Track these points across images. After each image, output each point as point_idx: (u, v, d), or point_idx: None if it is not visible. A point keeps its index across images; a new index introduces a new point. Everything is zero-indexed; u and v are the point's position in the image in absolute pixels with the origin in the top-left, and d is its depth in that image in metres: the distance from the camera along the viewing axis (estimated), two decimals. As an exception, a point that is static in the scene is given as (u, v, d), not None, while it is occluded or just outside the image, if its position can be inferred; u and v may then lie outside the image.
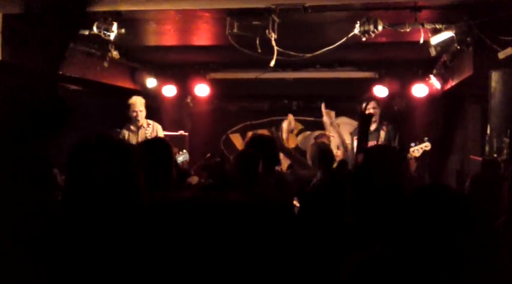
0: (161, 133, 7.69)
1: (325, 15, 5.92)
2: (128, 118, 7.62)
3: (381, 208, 2.84)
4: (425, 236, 1.95)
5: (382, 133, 7.09)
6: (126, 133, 7.59)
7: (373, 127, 7.21)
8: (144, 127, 7.58)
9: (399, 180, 3.31)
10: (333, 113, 6.75)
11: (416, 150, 6.82)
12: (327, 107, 7.10)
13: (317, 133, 9.74)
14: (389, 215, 2.19)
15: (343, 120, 9.94)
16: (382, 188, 3.01)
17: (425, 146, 6.85)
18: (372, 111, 7.09)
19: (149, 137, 7.43)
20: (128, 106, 7.52)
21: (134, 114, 7.49)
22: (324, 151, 5.31)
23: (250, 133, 10.14)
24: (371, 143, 7.21)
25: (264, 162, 4.37)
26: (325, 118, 6.78)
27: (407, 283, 1.96)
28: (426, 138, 6.88)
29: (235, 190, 3.73)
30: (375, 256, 2.11)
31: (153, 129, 7.60)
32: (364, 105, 4.32)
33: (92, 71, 7.67)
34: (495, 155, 5.17)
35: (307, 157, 5.35)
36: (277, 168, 4.82)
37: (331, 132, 8.29)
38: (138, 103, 7.52)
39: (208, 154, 8.73)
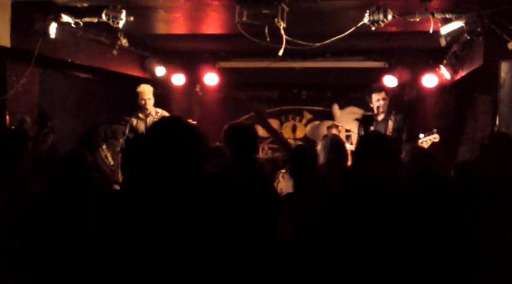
0: (169, 121, 7.70)
1: (335, 4, 5.90)
2: (137, 106, 7.66)
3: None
4: None
5: (390, 123, 7.05)
6: (134, 120, 7.69)
7: (381, 117, 7.19)
8: (152, 115, 7.64)
9: (393, 169, 3.25)
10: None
11: (425, 142, 6.79)
12: (336, 96, 7.06)
13: (326, 123, 9.74)
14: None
15: (352, 110, 9.93)
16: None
17: (434, 138, 6.81)
18: (380, 102, 7.07)
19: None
20: (136, 95, 7.57)
21: (143, 102, 7.57)
22: (335, 143, 5.26)
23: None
24: (380, 134, 7.21)
25: (242, 151, 4.47)
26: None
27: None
28: (435, 130, 6.83)
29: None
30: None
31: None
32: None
33: (101, 59, 7.70)
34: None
35: (318, 148, 5.30)
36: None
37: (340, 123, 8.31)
38: (147, 91, 7.58)
39: (217, 144, 8.77)
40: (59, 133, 7.42)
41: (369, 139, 3.74)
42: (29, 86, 6.66)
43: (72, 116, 8.33)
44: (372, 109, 7.30)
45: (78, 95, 8.56)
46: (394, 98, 7.43)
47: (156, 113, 7.67)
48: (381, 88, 7.30)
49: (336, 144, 5.18)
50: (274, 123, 10.22)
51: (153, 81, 8.65)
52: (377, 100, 7.08)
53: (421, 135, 6.80)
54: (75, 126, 8.38)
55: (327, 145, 5.13)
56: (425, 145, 6.76)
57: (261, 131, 10.14)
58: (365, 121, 6.27)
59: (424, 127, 7.51)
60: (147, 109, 7.59)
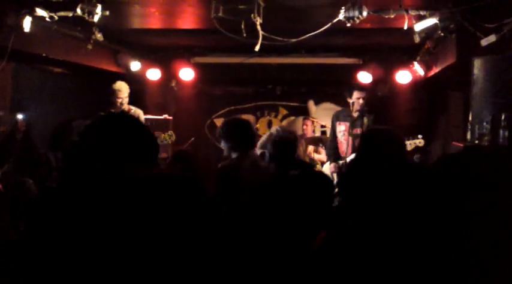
0: (142, 118, 7.65)
1: (310, 0, 5.93)
2: (110, 103, 7.42)
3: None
4: (392, 213, 1.96)
5: (366, 120, 7.15)
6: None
7: (356, 114, 7.29)
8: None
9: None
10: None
11: (408, 145, 6.87)
12: (311, 92, 7.12)
13: (302, 118, 9.80)
14: (363, 194, 2.19)
15: (327, 106, 10.00)
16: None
17: (419, 142, 6.91)
18: (360, 101, 7.19)
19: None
20: (112, 92, 7.36)
21: (119, 100, 7.29)
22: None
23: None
24: (356, 130, 7.28)
25: (239, 146, 4.57)
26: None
27: (372, 260, 1.97)
28: (420, 136, 6.92)
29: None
30: (342, 234, 2.12)
31: (134, 115, 7.52)
32: None
33: (76, 54, 7.61)
34: (476, 141, 5.23)
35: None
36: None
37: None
38: (124, 89, 7.28)
39: (192, 139, 8.77)
40: (32, 128, 7.35)
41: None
42: (2, 81, 6.58)
43: (46, 111, 8.24)
44: (347, 104, 7.38)
45: (52, 90, 8.47)
46: (368, 94, 7.51)
47: (129, 110, 7.46)
48: (364, 89, 7.42)
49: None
50: (249, 118, 10.25)
51: (128, 76, 8.60)
52: (357, 98, 7.21)
53: (406, 138, 6.85)
54: (49, 121, 8.30)
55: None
56: (409, 147, 6.85)
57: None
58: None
59: (397, 124, 7.61)
60: (120, 107, 7.31)
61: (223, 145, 4.79)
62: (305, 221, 3.11)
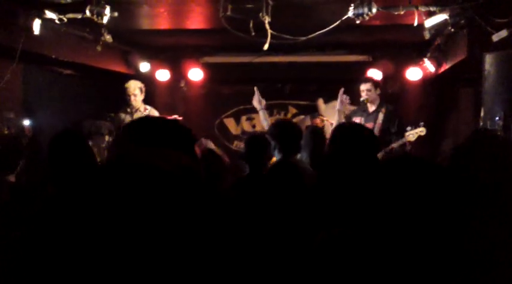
0: (157, 118, 7.72)
1: (319, -2, 5.92)
2: (125, 102, 7.65)
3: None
4: (396, 210, 1.90)
5: (381, 115, 7.07)
6: (122, 115, 7.69)
7: (371, 108, 7.21)
8: (140, 111, 7.63)
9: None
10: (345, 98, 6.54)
11: (411, 135, 6.80)
12: (320, 90, 7.05)
13: (312, 117, 9.75)
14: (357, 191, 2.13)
15: (337, 104, 9.94)
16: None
17: (421, 131, 6.82)
18: (365, 93, 7.10)
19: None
20: (123, 90, 7.55)
21: (128, 97, 7.55)
22: (314, 133, 5.23)
23: (244, 118, 10.19)
24: (369, 125, 7.22)
25: (284, 148, 4.50)
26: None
27: (368, 261, 1.91)
28: (422, 123, 6.84)
29: None
30: (339, 234, 2.07)
31: (149, 114, 7.63)
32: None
33: (85, 55, 7.65)
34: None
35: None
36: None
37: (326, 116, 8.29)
38: (132, 87, 7.55)
39: (202, 139, 8.74)
40: (42, 130, 7.37)
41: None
42: (13, 82, 6.61)
43: (56, 112, 8.27)
44: (357, 102, 7.34)
45: (61, 91, 8.50)
46: (376, 86, 7.45)
47: (144, 109, 7.67)
48: (367, 79, 7.33)
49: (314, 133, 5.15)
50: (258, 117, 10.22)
51: (138, 77, 8.62)
52: (362, 91, 7.13)
53: (408, 128, 6.81)
54: (58, 123, 8.32)
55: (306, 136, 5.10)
56: (412, 138, 6.78)
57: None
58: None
59: (407, 120, 7.54)
60: (131, 104, 7.56)
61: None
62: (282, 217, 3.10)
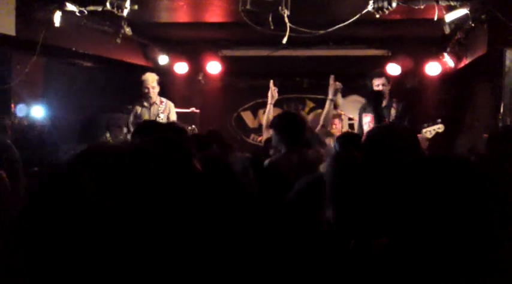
0: (174, 111, 7.75)
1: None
2: (141, 94, 7.67)
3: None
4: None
5: (393, 111, 7.03)
6: (138, 108, 7.68)
7: (383, 103, 7.17)
8: (156, 104, 7.63)
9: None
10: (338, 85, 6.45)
11: (428, 131, 6.73)
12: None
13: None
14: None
15: (355, 98, 9.92)
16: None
17: (438, 128, 6.74)
18: (380, 87, 7.04)
19: (161, 114, 7.52)
20: (141, 83, 7.56)
21: (146, 90, 7.54)
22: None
23: (261, 111, 10.20)
24: (381, 121, 7.18)
25: (288, 140, 4.48)
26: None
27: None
28: (439, 120, 6.77)
29: None
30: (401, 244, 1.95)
31: (165, 107, 7.65)
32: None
33: (105, 48, 7.71)
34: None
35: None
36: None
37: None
38: (150, 79, 7.55)
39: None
40: (61, 122, 7.45)
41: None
42: (33, 75, 6.68)
43: (75, 104, 8.35)
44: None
45: (81, 83, 8.57)
46: (396, 86, 7.42)
47: (161, 102, 7.65)
48: (381, 74, 7.27)
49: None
50: (276, 111, 10.22)
51: (156, 70, 8.66)
52: (377, 86, 7.06)
53: (425, 124, 6.75)
54: (77, 115, 8.41)
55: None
56: (429, 135, 6.70)
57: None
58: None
59: (426, 115, 7.49)
60: (150, 97, 7.57)
61: (273, 137, 4.75)
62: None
